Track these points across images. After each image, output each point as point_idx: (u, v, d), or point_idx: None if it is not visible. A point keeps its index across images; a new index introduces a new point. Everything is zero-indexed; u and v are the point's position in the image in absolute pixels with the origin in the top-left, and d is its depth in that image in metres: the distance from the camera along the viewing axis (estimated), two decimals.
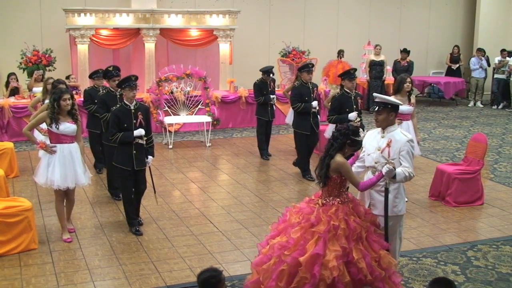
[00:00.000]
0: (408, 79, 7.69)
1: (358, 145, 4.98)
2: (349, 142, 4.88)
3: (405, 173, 4.85)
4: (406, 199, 7.71)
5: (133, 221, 6.73)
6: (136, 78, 6.75)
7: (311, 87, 8.95)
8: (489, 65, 15.96)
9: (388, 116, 4.98)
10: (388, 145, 4.93)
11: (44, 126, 7.13)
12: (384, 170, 4.79)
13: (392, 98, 5.16)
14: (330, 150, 4.88)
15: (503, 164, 9.86)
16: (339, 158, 4.82)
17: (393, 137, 4.94)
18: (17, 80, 11.89)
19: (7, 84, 11.87)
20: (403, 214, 5.15)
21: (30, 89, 11.58)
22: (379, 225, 4.96)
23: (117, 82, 7.44)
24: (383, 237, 4.88)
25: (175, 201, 7.88)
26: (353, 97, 7.99)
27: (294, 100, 8.94)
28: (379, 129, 5.10)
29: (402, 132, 5.03)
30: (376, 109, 5.01)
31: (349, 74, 8.03)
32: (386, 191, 4.90)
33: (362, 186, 4.89)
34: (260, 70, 10.14)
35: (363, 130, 7.77)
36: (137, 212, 6.92)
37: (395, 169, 4.79)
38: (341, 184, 4.87)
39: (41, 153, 6.73)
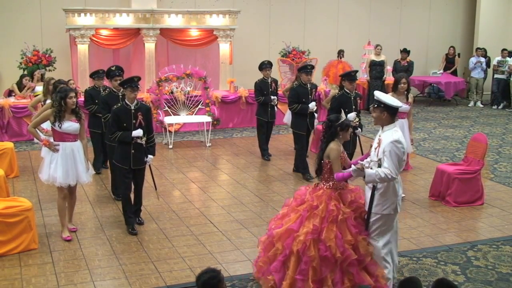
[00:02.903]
0: (403, 80, 7.78)
1: (347, 125, 5.29)
2: (339, 128, 5.24)
3: (380, 174, 4.79)
4: (403, 195, 7.78)
5: (130, 220, 6.74)
6: (139, 79, 6.77)
7: (309, 88, 8.97)
8: (489, 66, 15.95)
9: (380, 114, 5.03)
10: (379, 144, 4.99)
11: (45, 126, 7.17)
12: (351, 169, 4.97)
13: (387, 98, 5.10)
14: (322, 145, 5.30)
15: (503, 164, 9.86)
16: (332, 144, 5.22)
17: (383, 137, 4.98)
18: (31, 80, 11.82)
19: (19, 84, 11.78)
20: (390, 214, 5.01)
21: (32, 89, 11.58)
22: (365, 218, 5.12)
23: (118, 81, 7.48)
24: (364, 227, 5.07)
25: (175, 201, 7.88)
26: (352, 98, 8.01)
27: (291, 101, 9.00)
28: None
29: (393, 133, 4.95)
30: (373, 106, 5.13)
31: (349, 76, 8.04)
32: (373, 189, 4.98)
33: (337, 177, 5.11)
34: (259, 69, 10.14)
35: (361, 130, 7.98)
36: (137, 212, 6.94)
37: (363, 170, 4.84)
38: (331, 170, 5.18)
39: (44, 152, 6.75)
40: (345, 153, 5.38)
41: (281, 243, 5.07)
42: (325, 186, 5.22)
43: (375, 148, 5.04)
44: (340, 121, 5.25)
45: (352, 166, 5.00)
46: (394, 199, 5.02)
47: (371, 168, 4.94)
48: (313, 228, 4.97)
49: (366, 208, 5.09)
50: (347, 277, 4.97)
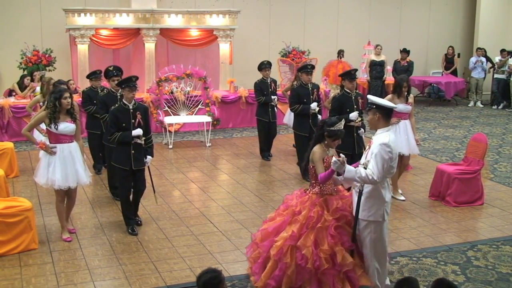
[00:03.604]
0: (405, 84, 7.76)
1: (336, 135, 5.13)
2: (326, 133, 5.13)
3: (360, 173, 4.67)
4: (403, 198, 7.76)
5: (130, 221, 6.73)
6: (137, 79, 6.75)
7: (310, 89, 8.90)
8: (493, 65, 15.92)
9: (373, 116, 4.94)
10: (369, 147, 4.93)
11: (44, 126, 7.14)
12: (332, 161, 4.79)
13: (379, 100, 5.03)
14: (311, 144, 5.24)
15: (503, 164, 9.86)
16: (316, 148, 5.15)
17: (374, 139, 4.89)
18: (32, 80, 11.80)
19: (20, 84, 11.77)
20: (378, 221, 4.89)
21: (34, 89, 11.59)
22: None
23: (116, 82, 7.46)
24: (349, 236, 4.97)
25: (175, 201, 7.88)
26: (353, 97, 7.92)
27: (292, 101, 8.92)
28: None
29: (385, 136, 4.83)
30: (367, 109, 5.07)
31: (349, 75, 7.88)
32: (360, 194, 4.88)
33: (320, 178, 5.04)
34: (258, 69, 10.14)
35: (364, 130, 7.87)
36: (135, 212, 6.93)
37: (343, 164, 4.67)
38: (316, 175, 5.10)
39: (42, 153, 6.72)
40: (332, 157, 5.11)
41: (260, 245, 5.15)
42: (311, 192, 5.14)
43: (366, 151, 4.99)
44: (332, 127, 5.10)
45: (333, 158, 4.79)
46: (381, 205, 4.87)
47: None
48: (291, 234, 4.94)
49: (354, 213, 4.99)
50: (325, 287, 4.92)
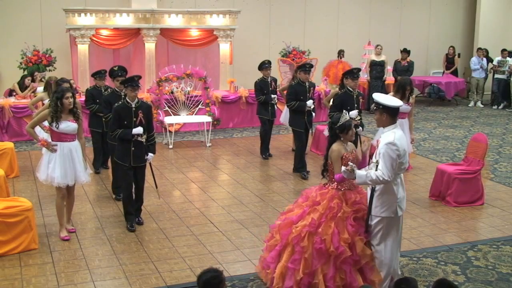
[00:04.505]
0: (408, 87, 7.83)
1: (346, 127, 5.26)
2: (338, 131, 5.26)
3: (371, 176, 4.77)
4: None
5: (130, 217, 6.77)
6: (139, 78, 6.84)
7: (307, 86, 9.04)
8: (492, 61, 15.92)
9: (380, 116, 4.99)
10: (377, 146, 4.97)
11: (46, 123, 7.17)
12: (342, 170, 4.99)
13: (385, 99, 5.03)
14: (328, 145, 5.37)
15: (503, 164, 9.85)
16: (334, 146, 5.28)
17: (382, 138, 4.94)
18: (33, 81, 11.79)
19: (21, 84, 11.76)
20: (390, 217, 4.94)
21: (34, 90, 11.58)
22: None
23: (120, 81, 7.53)
24: (364, 228, 5.07)
25: (175, 201, 7.88)
26: (355, 96, 8.02)
27: (289, 98, 9.09)
28: None
29: (390, 134, 4.87)
30: (374, 108, 5.12)
31: (352, 74, 8.11)
32: (372, 191, 4.97)
33: (336, 178, 5.18)
34: (258, 69, 10.18)
35: (362, 129, 7.99)
36: (137, 212, 6.96)
37: (353, 171, 4.84)
38: (334, 173, 5.23)
39: (44, 149, 6.77)
40: (353, 153, 5.31)
41: (280, 233, 5.21)
42: (330, 187, 5.26)
43: (375, 150, 5.04)
44: (339, 124, 5.24)
45: (343, 167, 5.00)
46: (393, 201, 4.94)
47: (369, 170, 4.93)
48: (311, 221, 5.05)
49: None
50: (339, 275, 5.00)
